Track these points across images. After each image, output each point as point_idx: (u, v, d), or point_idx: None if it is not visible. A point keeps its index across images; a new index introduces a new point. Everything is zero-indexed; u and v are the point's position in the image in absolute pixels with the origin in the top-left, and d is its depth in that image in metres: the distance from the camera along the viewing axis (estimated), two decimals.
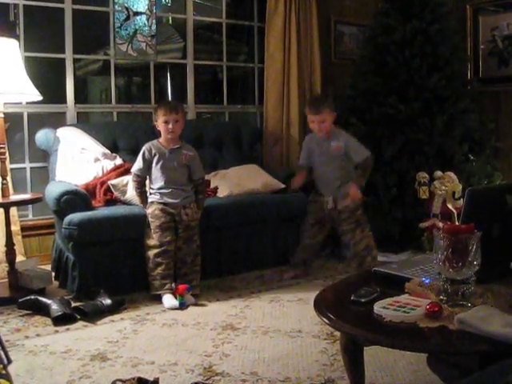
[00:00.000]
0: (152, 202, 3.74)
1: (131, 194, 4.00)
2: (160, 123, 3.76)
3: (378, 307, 1.71)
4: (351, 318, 1.76)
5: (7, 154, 3.82)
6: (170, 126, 3.73)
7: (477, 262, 1.68)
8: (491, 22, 5.73)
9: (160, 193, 3.74)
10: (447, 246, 1.68)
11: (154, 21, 5.07)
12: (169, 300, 3.52)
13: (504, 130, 5.59)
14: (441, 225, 3.89)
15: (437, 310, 1.64)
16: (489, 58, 5.76)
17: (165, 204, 3.71)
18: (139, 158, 3.79)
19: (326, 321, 1.73)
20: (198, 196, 3.90)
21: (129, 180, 4.04)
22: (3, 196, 3.70)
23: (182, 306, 3.47)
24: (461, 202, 4.05)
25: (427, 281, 1.90)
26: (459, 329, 1.56)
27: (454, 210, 4.07)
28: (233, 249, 4.22)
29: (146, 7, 5.04)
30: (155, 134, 4.09)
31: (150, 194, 3.80)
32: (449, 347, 1.60)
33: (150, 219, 3.69)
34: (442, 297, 1.74)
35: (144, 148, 3.80)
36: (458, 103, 4.70)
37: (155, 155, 3.76)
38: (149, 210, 3.72)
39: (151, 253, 3.63)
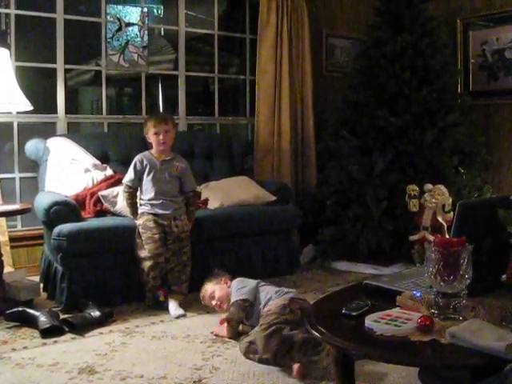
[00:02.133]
0: (143, 213, 3.73)
1: (121, 205, 3.98)
2: (151, 135, 3.76)
3: (369, 321, 1.70)
4: (342, 332, 1.75)
5: None
6: (161, 137, 3.73)
7: (468, 275, 1.68)
8: (481, 37, 5.77)
9: (151, 204, 3.73)
10: (439, 259, 1.67)
11: (145, 32, 5.07)
12: (174, 310, 3.54)
13: (494, 144, 5.62)
14: (431, 238, 3.89)
15: (428, 324, 1.63)
16: (479, 72, 5.79)
17: (155, 215, 3.70)
18: (130, 169, 3.79)
19: (317, 334, 1.72)
20: (189, 208, 3.89)
21: (119, 191, 4.02)
22: None
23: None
24: (451, 214, 4.06)
25: (418, 294, 1.89)
26: (451, 342, 1.55)
27: (444, 223, 4.07)
28: (223, 261, 4.20)
29: (138, 18, 5.04)
30: (146, 146, 4.08)
31: (141, 204, 3.79)
32: (440, 361, 1.60)
33: (140, 230, 3.67)
34: (433, 310, 1.74)
35: (135, 159, 3.80)
36: (448, 116, 4.72)
37: (146, 166, 3.76)
38: (139, 221, 3.70)
39: (145, 266, 3.63)
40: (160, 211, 3.72)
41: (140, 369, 2.70)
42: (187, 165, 3.92)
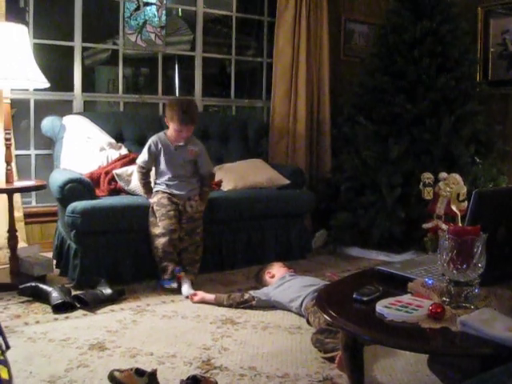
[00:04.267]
0: (157, 191, 3.76)
1: (135, 183, 4.00)
2: (172, 126, 3.75)
3: (380, 306, 1.70)
4: (353, 317, 1.75)
5: (12, 140, 3.81)
6: (184, 135, 3.76)
7: (481, 264, 1.67)
8: (502, 25, 5.70)
9: (166, 184, 3.75)
10: (452, 247, 1.66)
11: (163, 12, 5.05)
12: (187, 290, 3.54)
13: (511, 133, 5.56)
14: (444, 226, 3.87)
15: (439, 311, 1.63)
16: (498, 61, 5.73)
17: (170, 194, 3.72)
18: (145, 151, 3.80)
19: (328, 318, 1.72)
20: (203, 189, 3.90)
21: (133, 170, 4.03)
22: (7, 182, 3.69)
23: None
24: (465, 204, 4.04)
25: (430, 281, 1.88)
26: (461, 331, 1.55)
27: (458, 212, 4.04)
28: (235, 243, 4.21)
29: None
30: (162, 125, 4.09)
31: (156, 183, 3.80)
32: (450, 349, 1.59)
33: (155, 207, 3.69)
34: (444, 298, 1.73)
35: (150, 141, 3.80)
36: (465, 105, 4.68)
37: (161, 150, 3.77)
38: (154, 199, 3.72)
39: (159, 243, 3.64)
40: (175, 191, 3.74)
41: (150, 347, 2.73)
42: (202, 147, 3.91)
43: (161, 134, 3.85)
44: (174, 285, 3.58)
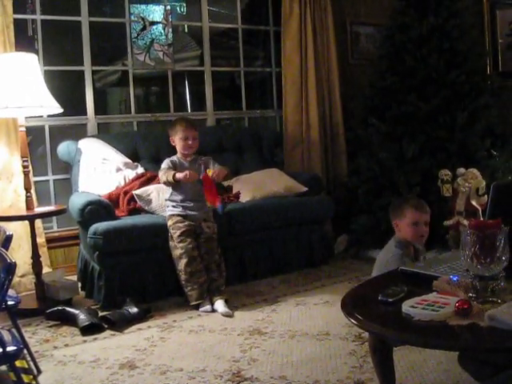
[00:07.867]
0: (172, 215, 3.76)
1: (156, 203, 4.02)
2: (178, 139, 3.81)
3: (406, 306, 1.68)
4: (379, 318, 1.74)
5: (30, 167, 3.85)
6: (190, 142, 3.80)
7: (505, 257, 1.65)
8: (509, 16, 5.69)
9: (182, 206, 3.76)
10: (474, 241, 1.65)
11: (170, 30, 5.10)
12: (222, 307, 3.52)
13: None
14: (465, 222, 3.85)
15: (466, 308, 1.62)
16: (508, 52, 5.71)
17: (185, 216, 3.73)
18: (167, 161, 3.83)
19: (354, 322, 1.71)
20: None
21: (153, 190, 4.06)
22: (28, 209, 3.74)
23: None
24: (485, 198, 4.00)
25: (455, 278, 1.87)
26: (490, 325, 1.54)
27: (479, 207, 4.01)
28: (257, 253, 4.21)
29: (162, 16, 5.07)
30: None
31: (171, 206, 3.81)
32: (480, 344, 1.58)
33: (171, 231, 3.70)
34: (471, 294, 1.72)
35: (167, 159, 3.85)
36: (478, 98, 4.65)
37: (176, 167, 3.79)
38: (169, 222, 3.74)
39: (181, 264, 3.63)
40: (191, 212, 3.75)
41: (179, 362, 2.74)
42: (210, 158, 3.95)
43: (172, 156, 3.89)
44: (208, 307, 3.55)
